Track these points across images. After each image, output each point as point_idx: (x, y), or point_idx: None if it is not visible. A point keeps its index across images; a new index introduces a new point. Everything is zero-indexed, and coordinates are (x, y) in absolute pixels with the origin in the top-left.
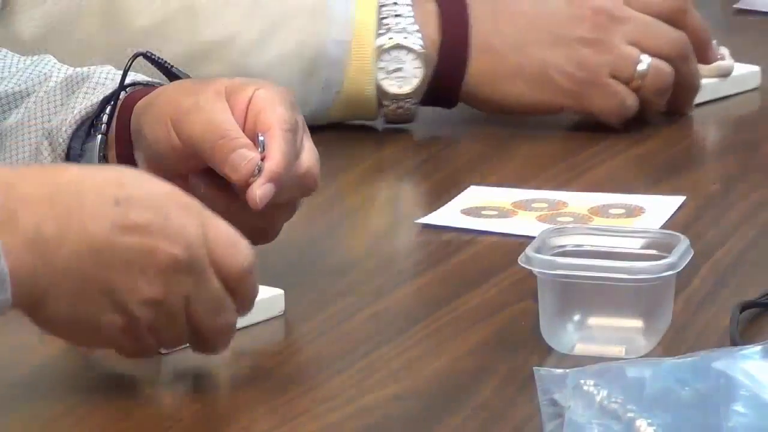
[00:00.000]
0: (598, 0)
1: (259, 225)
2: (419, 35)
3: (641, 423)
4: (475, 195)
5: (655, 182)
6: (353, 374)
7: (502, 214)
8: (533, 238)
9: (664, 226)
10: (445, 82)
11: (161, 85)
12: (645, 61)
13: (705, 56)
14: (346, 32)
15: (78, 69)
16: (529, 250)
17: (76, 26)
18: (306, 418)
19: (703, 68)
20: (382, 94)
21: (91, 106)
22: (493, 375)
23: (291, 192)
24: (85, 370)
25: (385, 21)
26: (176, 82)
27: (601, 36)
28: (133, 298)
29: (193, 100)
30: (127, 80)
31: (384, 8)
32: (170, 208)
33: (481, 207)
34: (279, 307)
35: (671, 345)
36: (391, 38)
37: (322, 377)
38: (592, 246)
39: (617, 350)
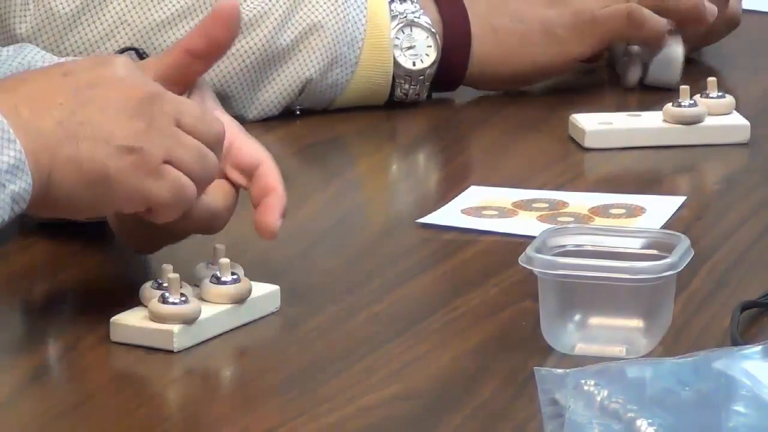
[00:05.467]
0: None
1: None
2: (427, 17)
3: (642, 423)
4: (475, 195)
5: (655, 182)
6: (353, 374)
7: (503, 214)
8: (534, 238)
9: (664, 226)
10: (450, 64)
11: None
12: None
13: None
14: (362, 11)
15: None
16: (529, 250)
17: (107, 4)
18: (306, 418)
19: (671, 113)
20: (397, 69)
21: None
22: (493, 375)
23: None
24: (85, 370)
25: (393, 4)
26: None
27: None
28: (122, 134)
29: None
30: None
31: None
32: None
33: (482, 207)
34: (275, 303)
35: (672, 345)
36: (403, 16)
37: (322, 377)
38: (592, 246)
39: (618, 350)
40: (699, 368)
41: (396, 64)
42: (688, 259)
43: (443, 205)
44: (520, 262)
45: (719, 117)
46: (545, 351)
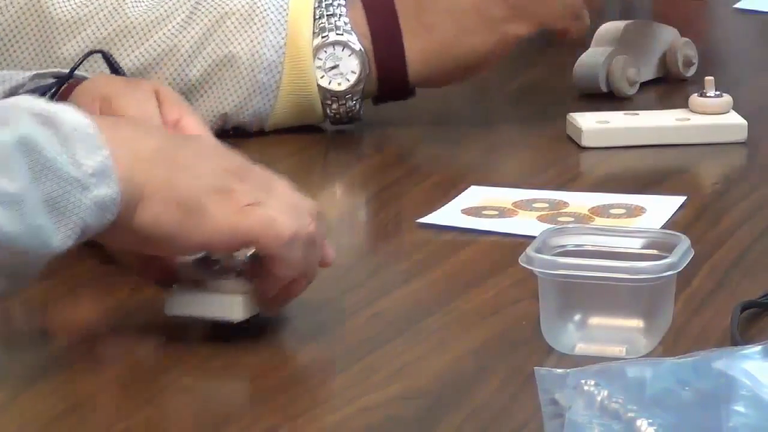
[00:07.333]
0: None
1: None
2: (352, 33)
3: (642, 423)
4: (475, 195)
5: (655, 182)
6: (353, 374)
7: (503, 214)
8: (534, 238)
9: (664, 226)
10: (390, 71)
11: None
12: None
13: None
14: (281, 35)
15: None
16: (529, 250)
17: (9, 46)
18: (306, 418)
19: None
20: (321, 92)
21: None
22: (493, 375)
23: None
24: (85, 370)
25: (319, 21)
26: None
27: None
28: (216, 177)
29: (128, 88)
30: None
31: (318, 9)
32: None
33: (482, 207)
34: None
35: (672, 345)
36: (325, 36)
37: (322, 377)
38: (592, 246)
39: (618, 350)
40: (699, 368)
41: (319, 87)
42: (688, 259)
43: (443, 205)
44: (520, 262)
45: (716, 116)
46: (545, 351)
